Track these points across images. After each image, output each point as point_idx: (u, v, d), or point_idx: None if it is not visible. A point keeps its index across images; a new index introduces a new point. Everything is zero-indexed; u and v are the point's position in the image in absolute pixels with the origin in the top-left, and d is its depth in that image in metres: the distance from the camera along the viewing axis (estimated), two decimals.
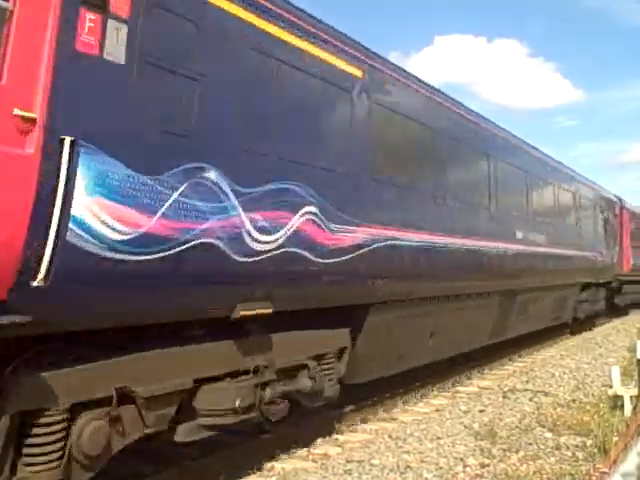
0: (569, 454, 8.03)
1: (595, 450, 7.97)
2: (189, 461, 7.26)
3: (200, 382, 6.26)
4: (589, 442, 8.36)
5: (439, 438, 8.71)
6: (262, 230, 6.42)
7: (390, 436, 8.81)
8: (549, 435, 8.87)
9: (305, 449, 8.37)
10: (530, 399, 11.19)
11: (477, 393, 12.01)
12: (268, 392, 7.09)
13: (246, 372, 6.75)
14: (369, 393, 10.40)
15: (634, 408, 9.52)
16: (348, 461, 7.65)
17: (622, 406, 9.64)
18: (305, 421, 9.02)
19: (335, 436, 9.03)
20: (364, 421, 9.83)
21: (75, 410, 5.08)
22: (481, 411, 10.31)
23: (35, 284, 4.47)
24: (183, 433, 6.28)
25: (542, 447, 8.32)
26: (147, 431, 5.73)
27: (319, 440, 8.77)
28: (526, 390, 11.97)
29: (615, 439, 7.96)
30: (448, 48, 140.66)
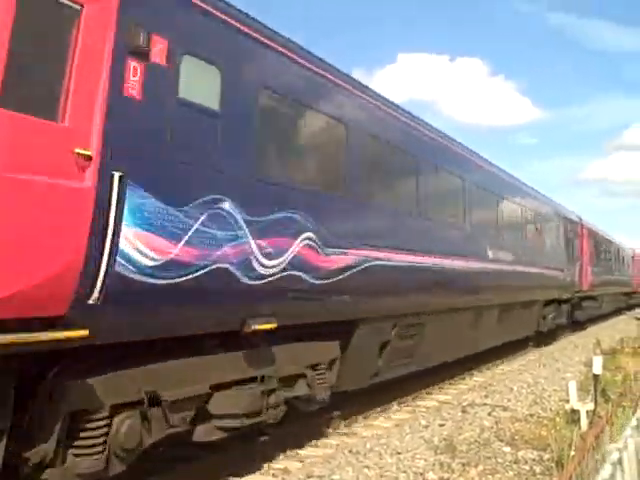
0: (527, 468, 8.12)
1: (552, 464, 8.07)
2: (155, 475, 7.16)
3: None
4: (546, 456, 8.47)
5: (399, 453, 8.73)
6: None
7: (350, 451, 8.81)
8: (507, 449, 8.96)
9: (265, 464, 8.33)
10: (489, 413, 11.29)
11: (437, 407, 12.08)
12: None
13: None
14: (330, 407, 10.38)
15: (590, 422, 9.66)
16: (309, 476, 7.62)
17: (579, 420, 9.77)
18: (265, 435, 8.97)
19: (296, 450, 9.00)
20: (325, 435, 9.82)
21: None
22: (441, 425, 10.38)
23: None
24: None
25: (500, 461, 8.39)
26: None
27: (280, 455, 8.73)
28: (485, 404, 12.08)
29: (572, 453, 8.06)
30: (411, 66, 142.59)
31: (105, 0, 5.34)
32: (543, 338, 23.10)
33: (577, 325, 28.60)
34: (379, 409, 11.63)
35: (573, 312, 26.93)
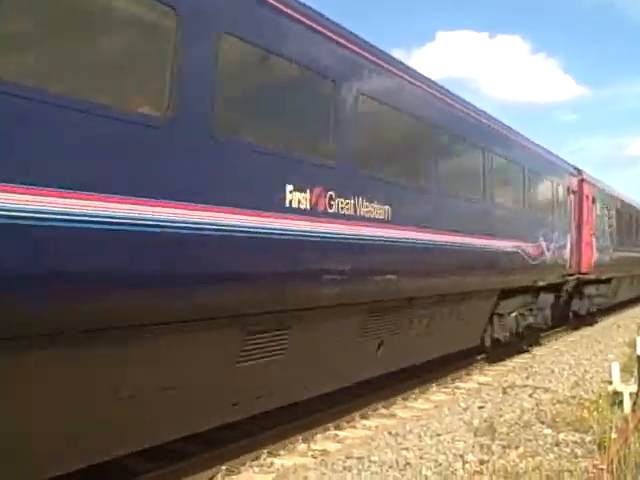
0: (568, 450, 8.04)
1: (594, 447, 7.99)
2: (188, 457, 7.27)
3: None
4: (588, 439, 8.39)
5: (438, 434, 8.72)
6: None
7: (389, 432, 8.82)
8: (548, 431, 8.88)
9: (304, 445, 8.39)
10: (530, 395, 11.20)
11: (477, 389, 12.03)
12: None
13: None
14: (368, 389, 10.40)
15: (633, 405, 9.53)
16: (347, 457, 7.66)
17: (621, 403, 9.64)
18: (304, 417, 9.03)
19: (334, 432, 9.05)
20: (364, 417, 9.85)
21: None
22: (480, 407, 10.33)
23: None
24: None
25: (541, 443, 8.33)
26: None
27: (319, 436, 8.78)
28: (525, 386, 11.99)
29: (614, 436, 7.95)
30: (450, 44, 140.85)
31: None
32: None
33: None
34: (418, 390, 11.62)
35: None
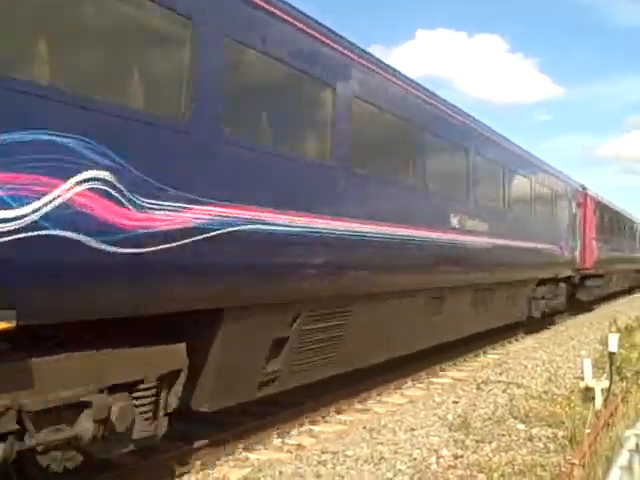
0: (541, 445, 8.14)
1: (566, 442, 8.08)
2: (163, 452, 7.24)
3: None
4: (560, 434, 8.48)
5: (413, 429, 8.77)
6: None
7: (364, 427, 8.86)
8: (521, 426, 8.98)
9: (280, 440, 8.39)
10: (503, 391, 11.30)
11: (451, 384, 12.11)
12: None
13: None
14: (343, 383, 10.43)
15: (605, 400, 9.66)
16: (323, 452, 7.69)
17: (593, 398, 9.77)
18: (280, 411, 9.04)
19: (310, 427, 9.06)
20: (339, 412, 9.87)
21: None
22: (455, 402, 10.40)
23: None
24: None
25: (514, 438, 8.42)
26: None
27: (294, 431, 8.79)
28: (499, 382, 12.10)
29: (586, 431, 8.06)
30: (430, 42, 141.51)
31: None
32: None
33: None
34: (393, 386, 11.66)
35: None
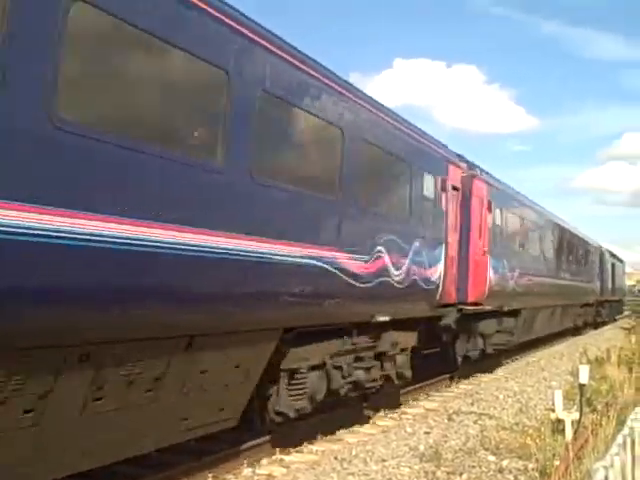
0: (511, 478, 8.15)
1: (536, 474, 8.10)
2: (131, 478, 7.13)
3: None
4: (531, 466, 8.49)
5: (384, 460, 8.72)
6: None
7: (336, 457, 8.80)
8: (492, 458, 8.97)
9: (250, 469, 8.30)
10: (475, 422, 11.31)
11: (423, 415, 12.09)
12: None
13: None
14: (315, 412, 10.36)
15: (575, 432, 9.69)
16: None
17: (564, 430, 9.80)
18: (250, 439, 8.95)
19: (280, 456, 8.98)
20: (310, 442, 9.80)
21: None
22: (427, 433, 10.38)
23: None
24: None
25: (485, 470, 8.41)
26: None
27: (264, 460, 8.70)
28: (471, 412, 12.10)
29: (556, 463, 8.08)
30: (407, 71, 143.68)
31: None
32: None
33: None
34: (365, 415, 11.61)
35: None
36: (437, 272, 12.28)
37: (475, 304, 14.75)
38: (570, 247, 28.60)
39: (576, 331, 32.42)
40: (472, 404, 12.99)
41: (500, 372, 18.49)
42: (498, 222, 16.89)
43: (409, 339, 11.92)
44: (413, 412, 12.46)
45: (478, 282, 14.96)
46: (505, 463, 8.71)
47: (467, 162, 15.05)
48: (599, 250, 38.37)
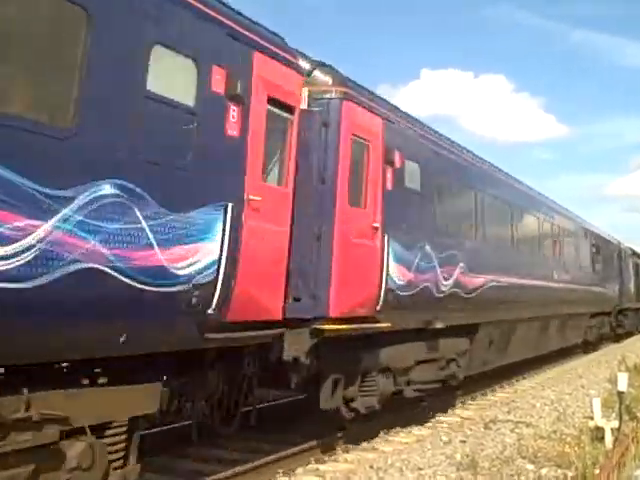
0: None
1: None
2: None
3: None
4: (570, 474, 8.34)
5: (420, 469, 8.65)
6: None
7: (371, 466, 8.74)
8: (530, 467, 8.84)
9: (285, 478, 8.28)
10: (511, 430, 11.17)
11: (459, 423, 11.98)
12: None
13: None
14: (350, 422, 10.32)
15: (615, 440, 9.53)
16: None
17: (603, 438, 9.64)
18: (285, 450, 8.94)
19: (316, 465, 8.95)
20: (345, 451, 9.75)
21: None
22: (462, 441, 10.28)
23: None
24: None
25: (523, 479, 8.29)
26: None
27: (300, 469, 8.68)
28: (508, 421, 11.96)
29: (596, 472, 7.94)
30: (435, 82, 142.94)
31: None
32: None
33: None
34: (399, 424, 11.54)
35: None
36: (205, 257, 6.13)
37: (363, 318, 8.97)
38: (571, 239, 22.01)
39: (589, 347, 26.68)
40: (509, 412, 12.83)
41: (536, 380, 18.25)
42: (412, 184, 10.43)
43: None
44: (448, 420, 12.35)
45: (357, 281, 8.75)
46: (544, 472, 8.57)
47: (329, 69, 8.85)
48: (617, 247, 31.35)
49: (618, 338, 31.53)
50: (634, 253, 36.59)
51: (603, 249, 27.27)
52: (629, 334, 32.65)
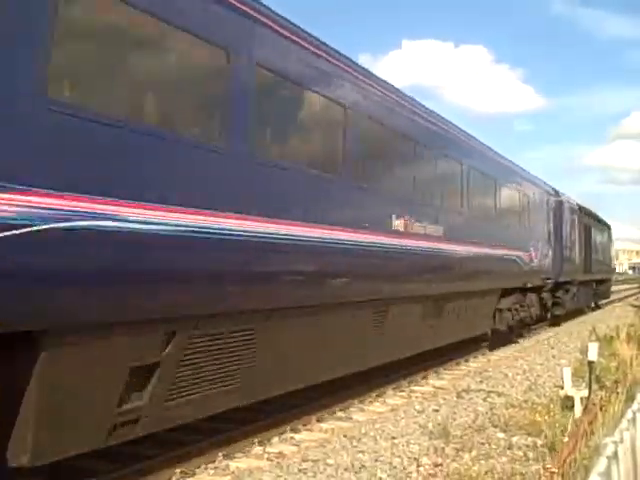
0: (520, 454, 8.16)
1: (545, 450, 8.12)
2: (142, 459, 7.20)
3: None
4: (540, 442, 8.51)
5: (394, 437, 8.77)
6: None
7: (345, 435, 8.85)
8: (501, 435, 9.01)
9: (260, 447, 8.36)
10: (484, 399, 11.34)
11: (432, 393, 12.13)
12: None
13: None
14: (325, 392, 10.42)
15: (584, 409, 9.71)
16: (304, 460, 7.67)
17: (573, 407, 9.82)
18: (261, 419, 9.01)
19: (291, 434, 9.04)
20: (320, 420, 9.85)
21: None
22: (435, 411, 10.42)
23: None
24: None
25: (494, 447, 8.44)
26: None
27: (275, 439, 8.76)
28: (480, 390, 12.13)
29: (565, 439, 8.10)
30: (415, 52, 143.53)
31: None
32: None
33: None
34: (374, 394, 11.67)
35: None
36: None
37: None
38: (468, 178, 14.33)
39: (504, 337, 19.01)
40: (481, 382, 13.02)
41: (509, 351, 18.51)
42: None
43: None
44: (422, 390, 12.50)
45: None
46: (514, 440, 8.74)
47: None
48: (554, 200, 23.08)
49: (555, 321, 25.21)
50: (581, 209, 28.51)
51: (531, 200, 20.08)
52: (581, 312, 26.88)
